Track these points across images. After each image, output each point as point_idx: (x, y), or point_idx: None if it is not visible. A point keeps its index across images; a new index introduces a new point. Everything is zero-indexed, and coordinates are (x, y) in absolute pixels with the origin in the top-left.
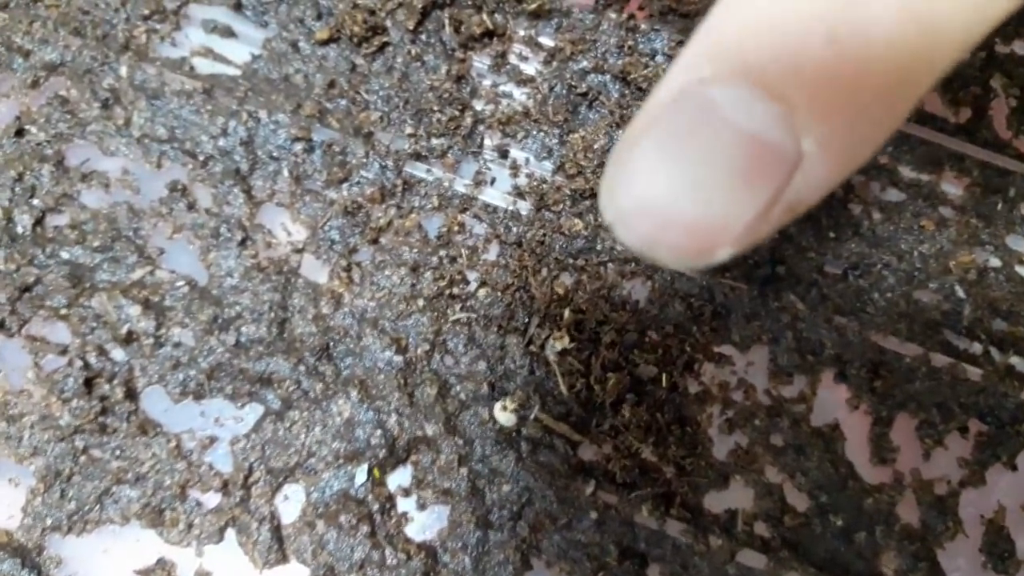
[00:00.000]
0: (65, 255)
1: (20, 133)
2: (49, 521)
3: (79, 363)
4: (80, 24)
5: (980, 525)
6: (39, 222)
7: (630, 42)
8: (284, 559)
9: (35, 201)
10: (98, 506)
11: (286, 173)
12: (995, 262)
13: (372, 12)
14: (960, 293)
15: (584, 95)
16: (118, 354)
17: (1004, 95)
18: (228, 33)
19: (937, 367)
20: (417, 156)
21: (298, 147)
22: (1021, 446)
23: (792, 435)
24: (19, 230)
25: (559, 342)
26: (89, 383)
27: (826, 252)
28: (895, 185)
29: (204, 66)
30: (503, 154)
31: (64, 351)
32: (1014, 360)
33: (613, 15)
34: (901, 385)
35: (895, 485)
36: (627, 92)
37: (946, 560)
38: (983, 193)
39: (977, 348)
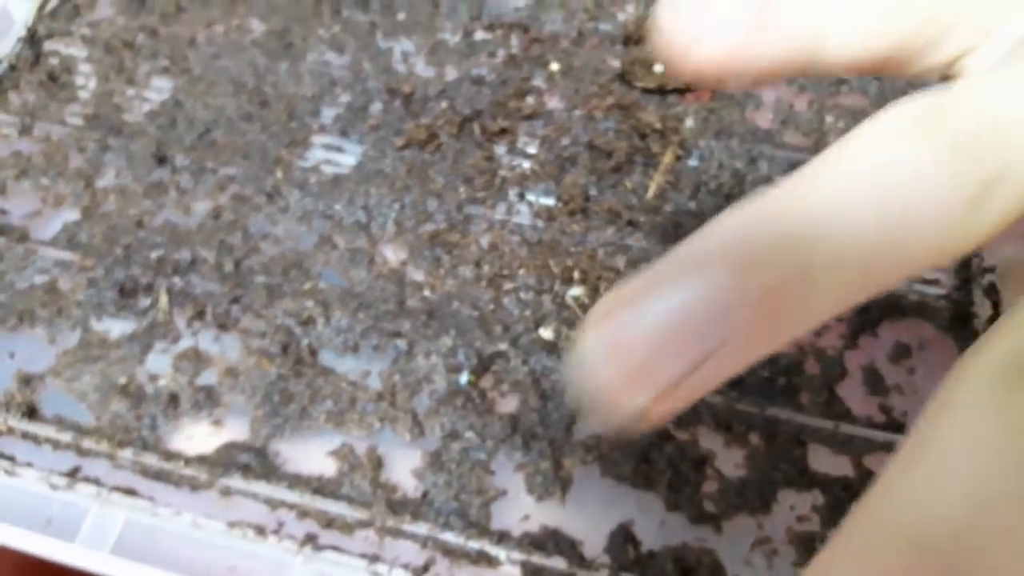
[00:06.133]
0: (259, 281)
1: (216, 216)
2: (268, 431)
3: (277, 338)
4: (245, 152)
5: (860, 370)
6: (238, 265)
7: (592, 126)
8: (423, 434)
9: (234, 252)
10: (299, 419)
11: (392, 222)
12: None
13: (429, 126)
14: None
15: (567, 159)
16: (299, 331)
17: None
18: (338, 150)
19: None
20: (471, 201)
21: (396, 205)
22: (880, 319)
23: None
24: (227, 270)
25: (574, 290)
26: (285, 348)
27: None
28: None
29: (327, 169)
30: (521, 196)
31: (264, 334)
32: None
33: (578, 112)
34: None
35: (800, 351)
36: (592, 155)
37: (841, 391)
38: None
39: None
